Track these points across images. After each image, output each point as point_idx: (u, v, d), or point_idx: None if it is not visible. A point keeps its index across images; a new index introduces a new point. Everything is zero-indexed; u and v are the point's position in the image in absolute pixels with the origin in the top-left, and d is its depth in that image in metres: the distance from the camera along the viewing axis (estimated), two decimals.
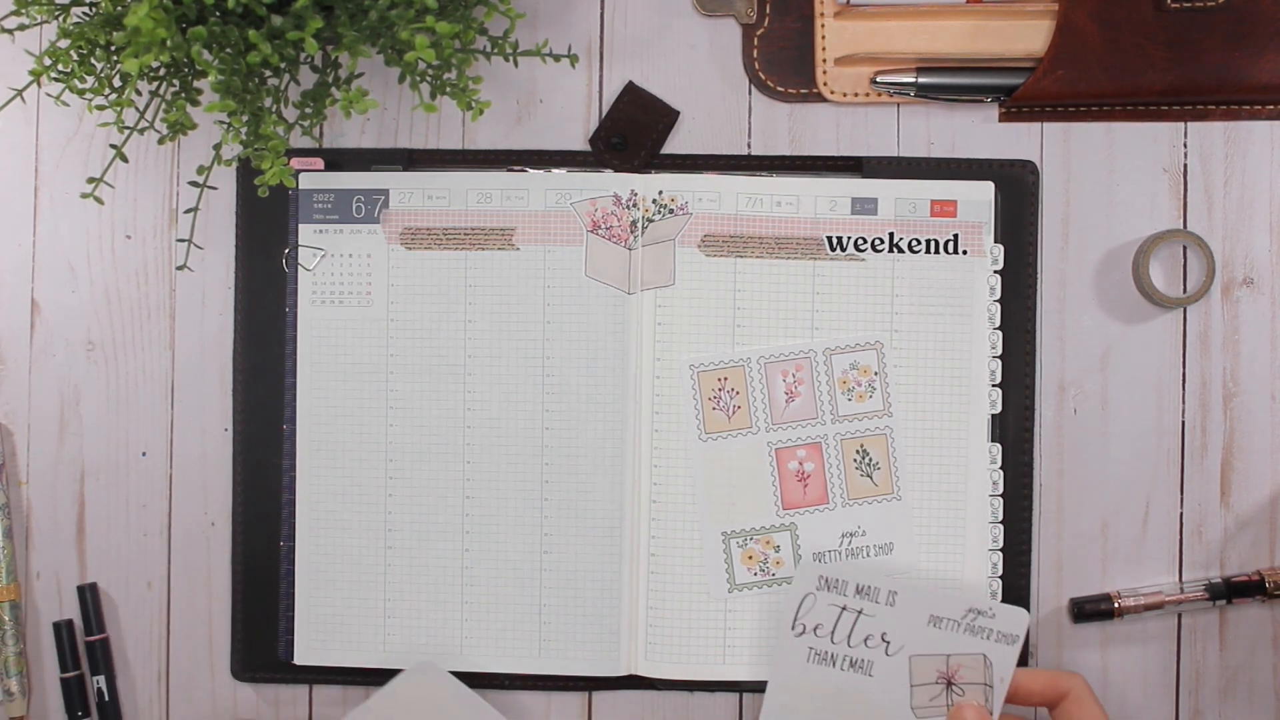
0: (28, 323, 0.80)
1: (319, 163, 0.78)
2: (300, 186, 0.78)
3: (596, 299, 0.77)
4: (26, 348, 0.80)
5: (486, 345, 0.78)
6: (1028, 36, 0.76)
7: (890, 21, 0.77)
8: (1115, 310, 0.78)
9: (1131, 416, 0.78)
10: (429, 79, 0.70)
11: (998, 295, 0.77)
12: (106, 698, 0.78)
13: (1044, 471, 0.78)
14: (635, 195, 0.77)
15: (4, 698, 0.78)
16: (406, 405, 0.78)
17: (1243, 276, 0.78)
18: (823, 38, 0.77)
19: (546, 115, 0.79)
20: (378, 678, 0.78)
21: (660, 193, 0.77)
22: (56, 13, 0.69)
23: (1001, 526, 0.77)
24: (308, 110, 0.72)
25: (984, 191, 0.77)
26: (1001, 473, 0.77)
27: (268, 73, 0.70)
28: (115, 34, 0.64)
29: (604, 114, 0.79)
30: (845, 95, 0.78)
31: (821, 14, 0.77)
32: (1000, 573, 0.77)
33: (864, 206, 0.77)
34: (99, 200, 0.72)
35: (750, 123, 0.79)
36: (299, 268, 0.78)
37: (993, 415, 0.77)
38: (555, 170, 0.78)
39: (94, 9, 0.69)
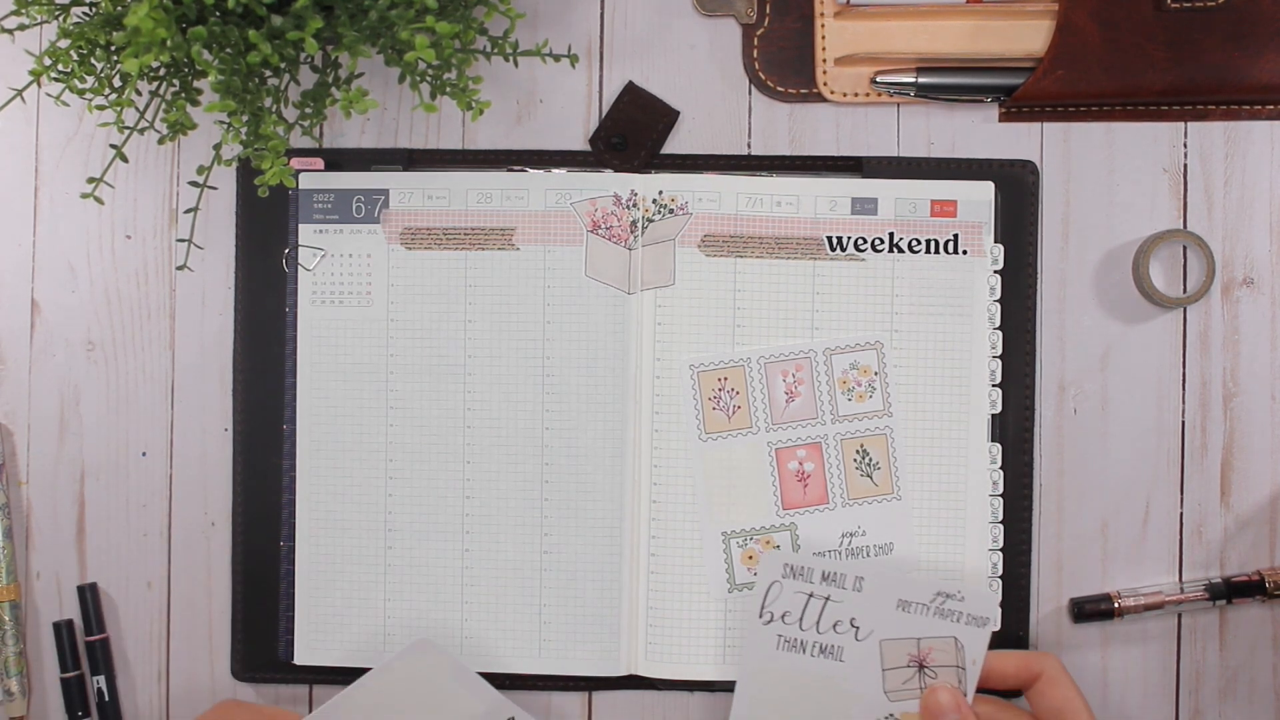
0: (28, 323, 0.80)
1: (319, 163, 0.78)
2: (300, 186, 0.78)
3: (596, 299, 0.77)
4: (26, 348, 0.80)
5: (486, 345, 0.78)
6: (1028, 36, 0.76)
7: (890, 21, 0.77)
8: (1115, 310, 0.78)
9: (1131, 416, 0.78)
10: (429, 79, 0.70)
11: (998, 295, 0.77)
12: (106, 698, 0.78)
13: (1044, 471, 0.78)
14: (635, 195, 0.77)
15: (4, 698, 0.78)
16: (406, 405, 0.78)
17: (1243, 276, 0.78)
18: (823, 38, 0.77)
19: (546, 115, 0.79)
20: None
21: (660, 193, 0.77)
22: (56, 13, 0.69)
23: (1001, 526, 0.77)
24: (308, 110, 0.72)
25: (984, 191, 0.77)
26: (1001, 473, 0.77)
27: (268, 73, 0.70)
28: (115, 34, 0.64)
29: (604, 114, 0.79)
30: (845, 95, 0.78)
31: (821, 14, 0.77)
32: (1000, 573, 0.77)
33: (864, 206, 0.77)
34: (99, 200, 0.72)
35: (750, 123, 0.79)
36: (299, 268, 0.78)
37: (993, 415, 0.77)
38: (555, 170, 0.78)
39: (94, 9, 0.69)
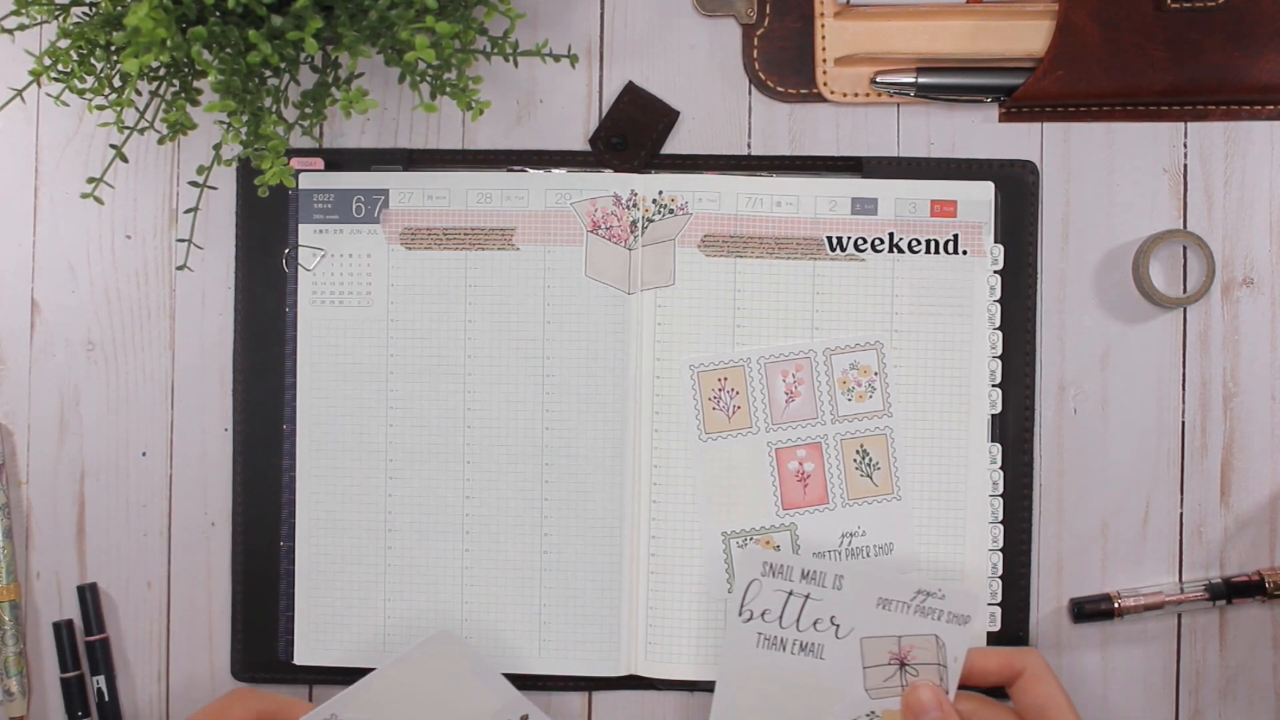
0: (28, 323, 0.80)
1: (319, 163, 0.78)
2: (300, 186, 0.78)
3: (596, 299, 0.77)
4: (26, 348, 0.80)
5: (486, 345, 0.78)
6: (1028, 36, 0.76)
7: (890, 21, 0.77)
8: (1115, 310, 0.78)
9: (1131, 416, 0.78)
10: (429, 79, 0.70)
11: (998, 295, 0.77)
12: (106, 698, 0.78)
13: (1044, 471, 0.78)
14: (635, 195, 0.77)
15: (4, 698, 0.78)
16: (406, 405, 0.78)
17: (1243, 276, 0.78)
18: (823, 38, 0.77)
19: (546, 115, 0.79)
20: None
21: (660, 193, 0.77)
22: (56, 13, 0.69)
23: (1001, 526, 0.77)
24: (308, 110, 0.72)
25: (984, 191, 0.77)
26: (1001, 473, 0.77)
27: (268, 73, 0.70)
28: (115, 34, 0.64)
29: (604, 114, 0.79)
30: (845, 95, 0.78)
31: (821, 14, 0.77)
32: (1000, 573, 0.77)
33: (864, 206, 0.77)
34: (99, 200, 0.72)
35: (750, 123, 0.79)
36: (299, 268, 0.78)
37: (993, 415, 0.77)
38: (555, 170, 0.78)
39: (94, 9, 0.69)
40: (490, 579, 0.78)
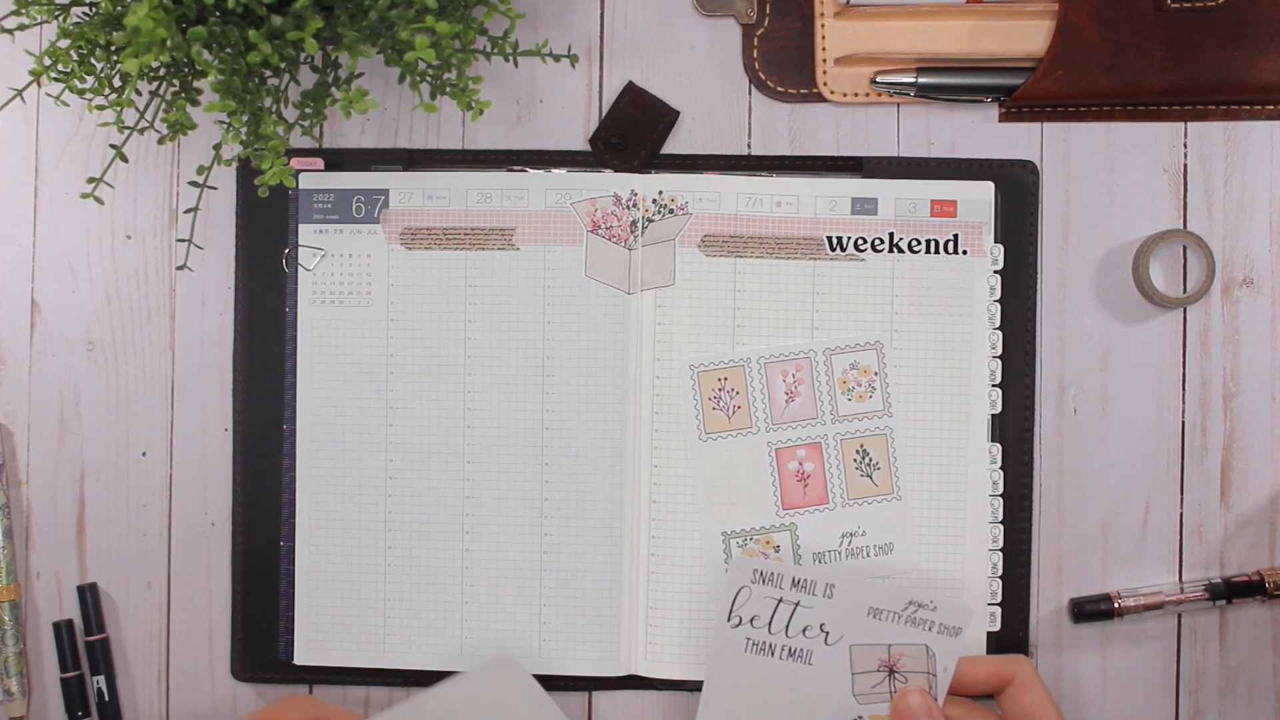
0: (28, 323, 0.80)
1: (319, 163, 0.78)
2: (300, 186, 0.78)
3: (596, 299, 0.77)
4: (26, 348, 0.80)
5: (486, 345, 0.78)
6: (1028, 36, 0.76)
7: (890, 21, 0.77)
8: (1115, 310, 0.78)
9: (1131, 416, 0.78)
10: (429, 79, 0.70)
11: (998, 295, 0.77)
12: (106, 698, 0.78)
13: (1044, 471, 0.78)
14: (635, 195, 0.77)
15: (4, 698, 0.78)
16: (406, 405, 0.78)
17: (1243, 276, 0.78)
18: (823, 38, 0.77)
19: (546, 115, 0.79)
20: (378, 678, 0.78)
21: (660, 193, 0.77)
22: (56, 13, 0.69)
23: (1001, 526, 0.77)
24: (308, 110, 0.72)
25: (984, 191, 0.77)
26: (1001, 473, 0.77)
27: (268, 73, 0.70)
28: (115, 34, 0.64)
29: (604, 114, 0.79)
30: (845, 95, 0.78)
31: (821, 14, 0.77)
32: (1000, 573, 0.77)
33: (864, 206, 0.77)
34: (99, 200, 0.72)
35: (750, 123, 0.79)
36: (299, 268, 0.78)
37: (993, 415, 0.77)
38: (555, 170, 0.78)
39: (94, 9, 0.69)
40: (490, 579, 0.78)
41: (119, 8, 0.66)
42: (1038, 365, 0.78)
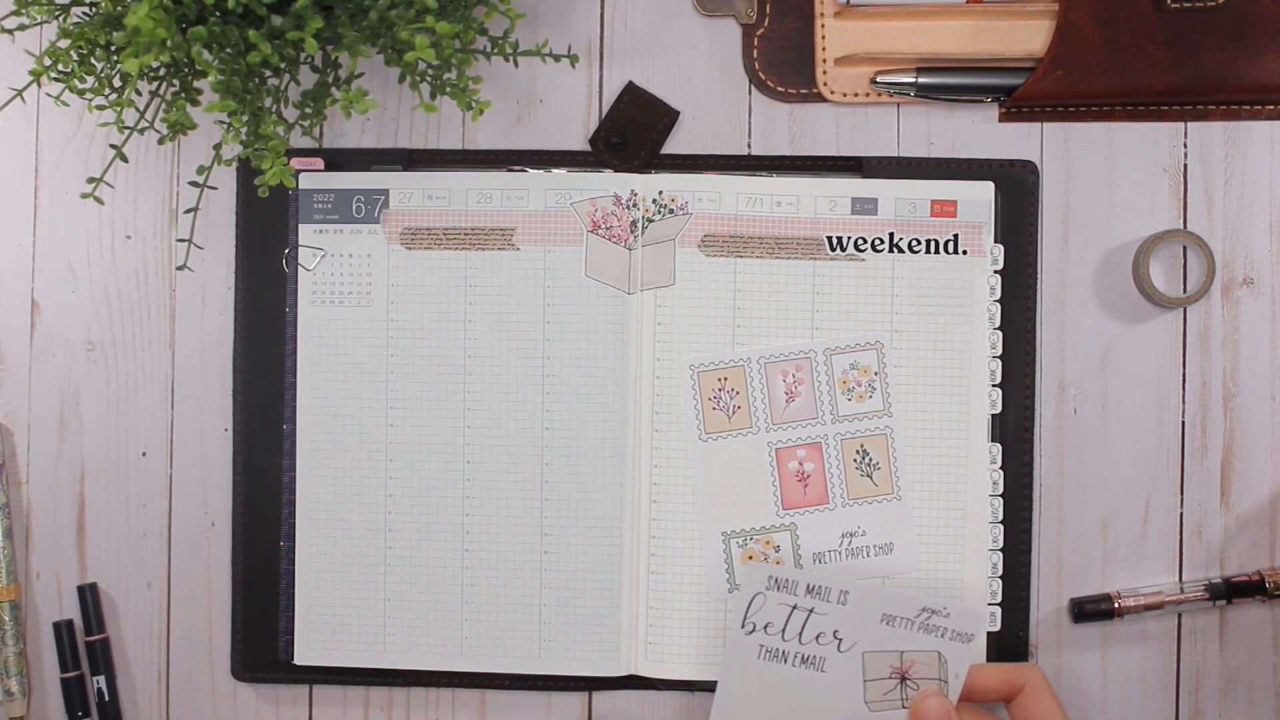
0: (28, 323, 0.80)
1: (319, 163, 0.78)
2: (300, 186, 0.78)
3: (596, 299, 0.77)
4: (26, 348, 0.80)
5: (486, 345, 0.78)
6: (1028, 36, 0.76)
7: (890, 21, 0.77)
8: (1115, 310, 0.78)
9: (1131, 416, 0.78)
10: (429, 79, 0.70)
11: (998, 295, 0.77)
12: (106, 698, 0.78)
13: (1044, 471, 0.78)
14: (635, 195, 0.77)
15: (4, 698, 0.78)
16: (406, 405, 0.78)
17: (1243, 276, 0.78)
18: (823, 38, 0.77)
19: (546, 115, 0.79)
20: (378, 678, 0.78)
21: (660, 193, 0.77)
22: (56, 13, 0.69)
23: (1001, 526, 0.77)
24: (308, 110, 0.72)
25: (984, 191, 0.77)
26: (1001, 473, 0.77)
27: (268, 73, 0.70)
28: (115, 34, 0.64)
29: (604, 114, 0.79)
30: (845, 95, 0.78)
31: (821, 14, 0.77)
32: (1000, 573, 0.77)
33: (864, 206, 0.77)
34: (99, 200, 0.72)
35: (750, 123, 0.79)
36: (299, 268, 0.78)
37: (993, 415, 0.77)
38: (555, 170, 0.78)
39: (94, 9, 0.69)
40: (490, 579, 0.78)
41: (119, 8, 0.66)
42: (1038, 365, 0.78)
